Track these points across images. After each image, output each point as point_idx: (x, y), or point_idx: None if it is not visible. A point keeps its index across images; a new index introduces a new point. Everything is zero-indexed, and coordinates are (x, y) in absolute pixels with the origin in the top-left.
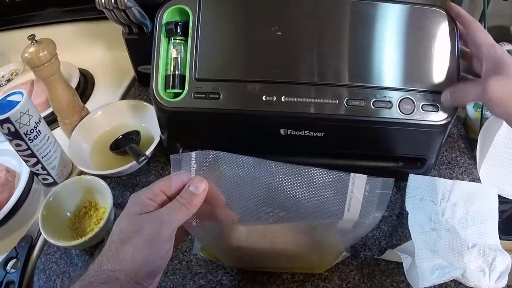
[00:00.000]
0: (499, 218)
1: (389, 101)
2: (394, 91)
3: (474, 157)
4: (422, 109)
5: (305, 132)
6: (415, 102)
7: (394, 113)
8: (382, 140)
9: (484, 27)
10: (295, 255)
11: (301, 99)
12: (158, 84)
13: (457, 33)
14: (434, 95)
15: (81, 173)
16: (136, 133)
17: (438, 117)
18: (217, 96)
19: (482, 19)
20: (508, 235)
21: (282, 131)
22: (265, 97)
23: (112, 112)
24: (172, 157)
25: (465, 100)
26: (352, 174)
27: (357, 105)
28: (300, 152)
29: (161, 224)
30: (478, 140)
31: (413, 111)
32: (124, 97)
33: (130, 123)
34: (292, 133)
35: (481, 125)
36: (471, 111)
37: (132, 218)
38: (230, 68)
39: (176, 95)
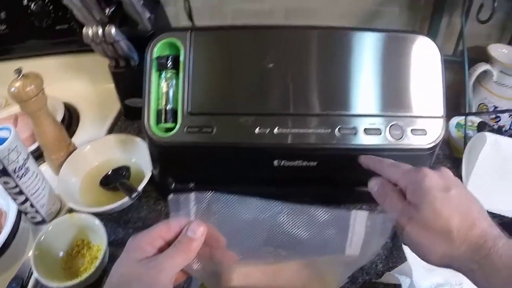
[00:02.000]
0: None
1: (379, 128)
2: (383, 117)
3: (460, 176)
4: (411, 134)
5: (299, 162)
6: (403, 128)
7: (384, 139)
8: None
9: (463, 48)
10: None
11: (294, 130)
12: (150, 118)
13: (441, 58)
14: (421, 119)
15: (71, 210)
16: (126, 168)
17: (426, 141)
18: (210, 130)
19: (460, 41)
20: None
21: (275, 162)
22: (258, 130)
23: (100, 147)
24: (170, 199)
25: (385, 207)
26: (353, 211)
27: (348, 134)
28: (293, 181)
29: (160, 271)
30: (463, 159)
31: (402, 136)
32: (110, 131)
33: (119, 158)
34: (285, 164)
35: (465, 144)
36: (454, 131)
37: (131, 264)
38: (222, 101)
39: (169, 129)
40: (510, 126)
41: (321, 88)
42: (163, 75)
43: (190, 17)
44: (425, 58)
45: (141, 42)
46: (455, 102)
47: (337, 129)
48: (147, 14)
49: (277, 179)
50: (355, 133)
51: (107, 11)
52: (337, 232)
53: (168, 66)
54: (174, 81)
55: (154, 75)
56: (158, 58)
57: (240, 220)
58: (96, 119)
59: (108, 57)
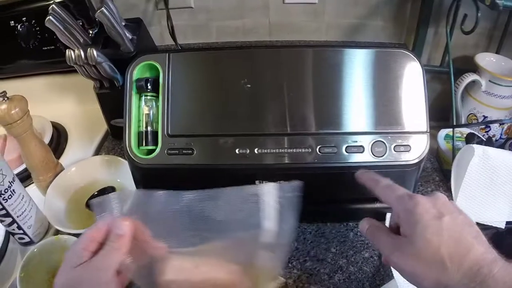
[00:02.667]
0: None
1: (361, 146)
2: (365, 135)
3: (449, 189)
4: (394, 150)
5: (280, 181)
6: (386, 144)
7: (367, 157)
8: (357, 183)
9: (448, 59)
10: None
11: (274, 150)
12: (131, 141)
13: (423, 72)
14: (404, 135)
15: (58, 231)
16: (112, 189)
17: (410, 157)
18: (191, 151)
19: (446, 52)
20: None
21: (257, 182)
22: (239, 151)
23: (86, 168)
24: (92, 202)
25: (376, 245)
26: (260, 184)
27: (330, 152)
28: None
29: (98, 271)
30: (452, 171)
31: (385, 153)
32: (98, 150)
33: (105, 179)
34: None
35: (454, 156)
36: (443, 143)
37: (70, 271)
38: (202, 123)
39: (150, 151)
40: (501, 135)
41: (300, 107)
42: (143, 97)
43: (172, 36)
44: (407, 73)
45: (124, 63)
46: (445, 113)
47: (318, 148)
48: (130, 36)
49: None
50: (336, 152)
51: (90, 33)
52: (251, 207)
53: (148, 88)
54: (154, 103)
55: (134, 97)
56: (137, 81)
57: (162, 212)
58: (84, 138)
59: (92, 79)
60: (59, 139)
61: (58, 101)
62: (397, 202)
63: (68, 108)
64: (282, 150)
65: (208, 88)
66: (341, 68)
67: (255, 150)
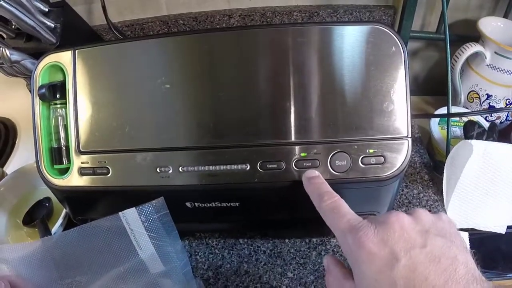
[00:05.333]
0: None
1: (316, 159)
2: (322, 144)
3: (440, 190)
4: (362, 163)
5: (216, 203)
6: (351, 156)
7: (325, 173)
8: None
9: (444, 27)
10: None
11: (201, 168)
12: (42, 160)
13: (404, 55)
14: (376, 143)
15: None
16: (48, 200)
17: (384, 171)
18: (105, 171)
19: (442, 16)
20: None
21: (188, 204)
22: (159, 169)
23: (20, 178)
24: None
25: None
26: (120, 213)
27: (274, 169)
28: (221, 219)
29: None
30: (445, 170)
31: (349, 167)
32: None
33: (40, 189)
34: (200, 205)
35: (448, 146)
36: (436, 130)
37: None
38: (115, 136)
39: (66, 170)
40: (507, 117)
41: (234, 112)
42: (52, 107)
43: (105, 14)
44: (382, 57)
45: None
46: (441, 85)
47: (258, 164)
48: (52, 24)
49: (200, 217)
50: (283, 168)
51: (14, 24)
52: (119, 238)
53: (54, 96)
54: (64, 114)
55: (41, 107)
56: (40, 87)
57: (28, 264)
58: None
59: (20, 77)
60: (7, 136)
61: (10, 94)
62: (340, 237)
63: (20, 102)
64: (212, 168)
65: (122, 91)
66: (289, 53)
67: (179, 168)
